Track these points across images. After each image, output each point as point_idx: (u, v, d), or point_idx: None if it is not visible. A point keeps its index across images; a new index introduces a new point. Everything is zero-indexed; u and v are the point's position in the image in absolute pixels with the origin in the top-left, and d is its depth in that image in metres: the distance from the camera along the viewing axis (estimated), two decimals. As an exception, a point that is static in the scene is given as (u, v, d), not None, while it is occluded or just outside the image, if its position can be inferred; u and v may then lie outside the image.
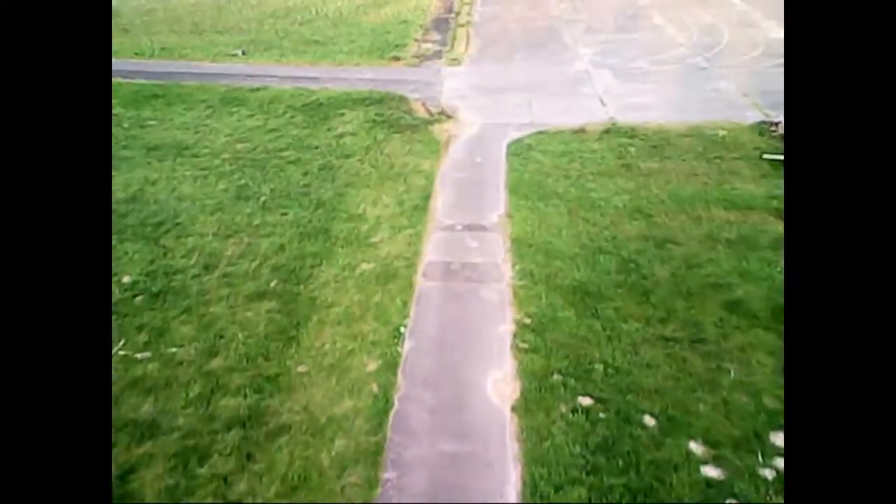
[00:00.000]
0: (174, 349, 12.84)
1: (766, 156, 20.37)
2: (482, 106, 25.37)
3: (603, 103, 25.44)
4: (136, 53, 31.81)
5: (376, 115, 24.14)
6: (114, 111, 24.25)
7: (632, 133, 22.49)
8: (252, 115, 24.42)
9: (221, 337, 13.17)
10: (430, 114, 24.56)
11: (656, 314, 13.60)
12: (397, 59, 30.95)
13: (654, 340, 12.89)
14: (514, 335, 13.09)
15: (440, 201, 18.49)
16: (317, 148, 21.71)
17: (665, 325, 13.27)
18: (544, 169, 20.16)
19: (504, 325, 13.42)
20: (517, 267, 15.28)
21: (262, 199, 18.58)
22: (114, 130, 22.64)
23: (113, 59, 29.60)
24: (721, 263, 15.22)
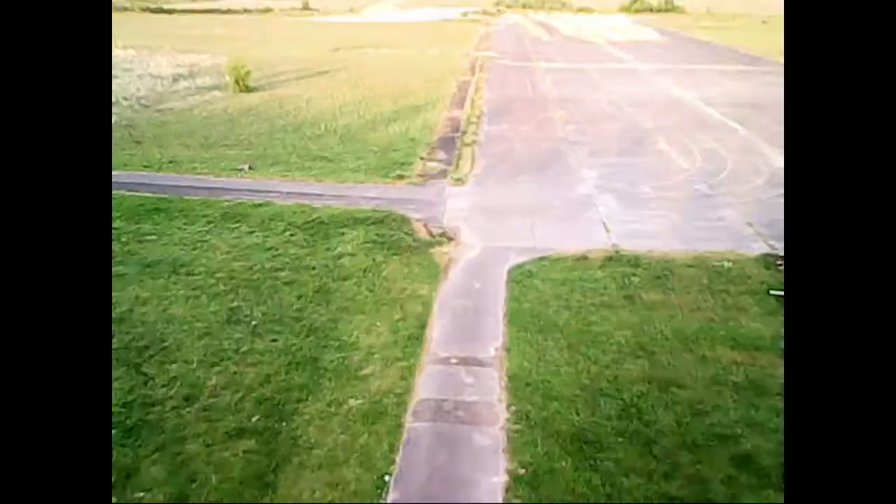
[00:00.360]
0: (140, 494, 11.97)
1: (772, 292, 19.83)
2: (484, 228, 25.17)
3: (607, 229, 25.20)
4: (145, 166, 32.14)
5: (377, 235, 23.90)
6: (114, 225, 24.08)
7: (635, 262, 22.09)
8: (252, 232, 24.22)
9: (193, 481, 12.32)
10: (432, 235, 24.32)
11: (660, 468, 12.72)
12: (402, 177, 31.11)
13: (657, 499, 11.97)
14: (507, 489, 12.19)
15: (436, 331, 17.89)
16: (314, 269, 21.33)
17: (669, 482, 12.36)
18: (545, 298, 19.63)
19: (497, 476, 12.54)
20: (513, 408, 14.51)
21: (254, 323, 18.03)
22: (112, 246, 22.38)
23: (121, 172, 29.93)
24: (728, 411, 14.43)
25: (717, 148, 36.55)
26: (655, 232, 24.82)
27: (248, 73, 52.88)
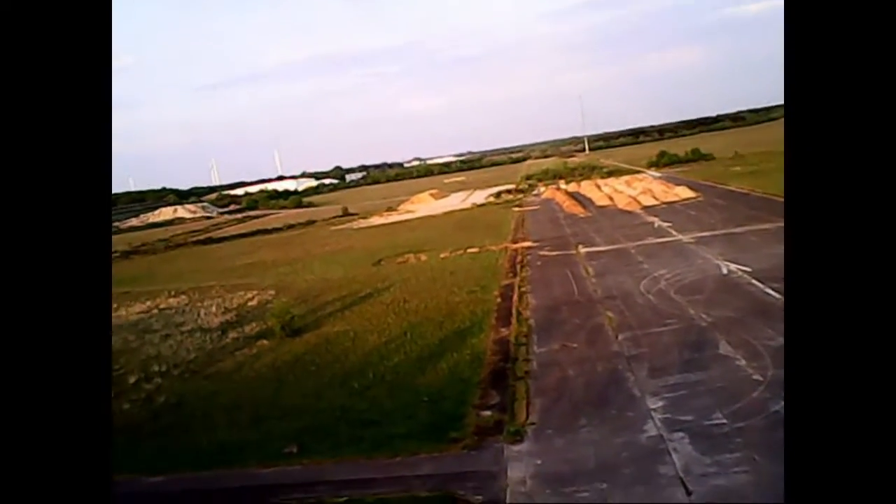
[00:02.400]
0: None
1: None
2: (551, 508, 22.91)
3: (687, 490, 22.70)
4: (193, 468, 30.94)
5: (436, 539, 21.80)
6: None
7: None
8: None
9: None
10: (496, 533, 22.12)
11: None
12: (456, 440, 29.30)
13: None
14: None
15: None
16: None
17: None
18: None
19: None
20: None
21: None
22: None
23: (157, 479, 28.82)
24: None
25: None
26: (740, 490, 22.21)
27: (291, 318, 53.21)
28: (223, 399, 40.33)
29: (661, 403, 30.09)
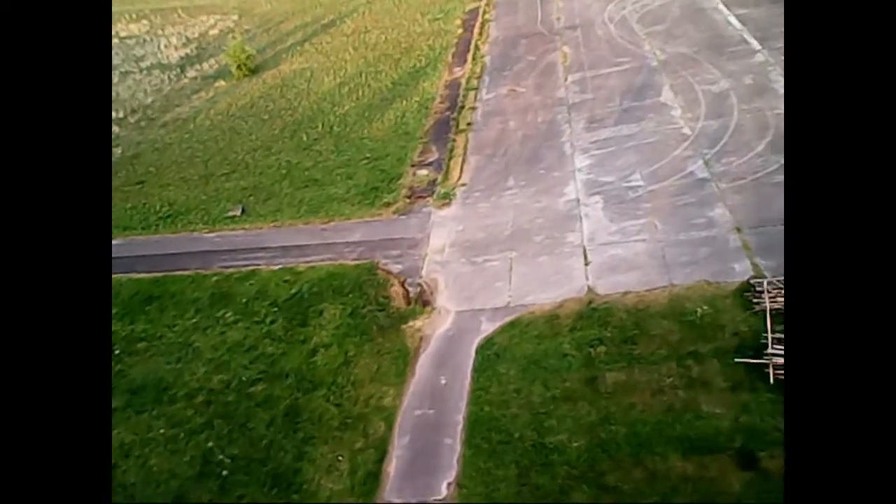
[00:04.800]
0: None
1: (738, 359, 19.10)
2: (461, 279, 24.89)
3: (586, 260, 24.47)
4: (143, 227, 32.70)
5: (353, 312, 24.08)
6: (113, 327, 25.08)
7: (606, 317, 21.62)
8: (235, 322, 24.84)
9: None
10: (407, 301, 24.31)
11: None
12: (388, 204, 30.67)
13: None
14: None
15: (393, 464, 18.36)
16: (287, 377, 21.89)
17: None
18: (506, 395, 19.65)
19: None
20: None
21: (224, 473, 18.94)
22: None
23: (121, 241, 30.84)
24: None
25: (728, 91, 33.95)
26: (636, 261, 23.95)
27: (248, 56, 51.96)
28: (176, 152, 41.10)
29: (587, 162, 30.87)
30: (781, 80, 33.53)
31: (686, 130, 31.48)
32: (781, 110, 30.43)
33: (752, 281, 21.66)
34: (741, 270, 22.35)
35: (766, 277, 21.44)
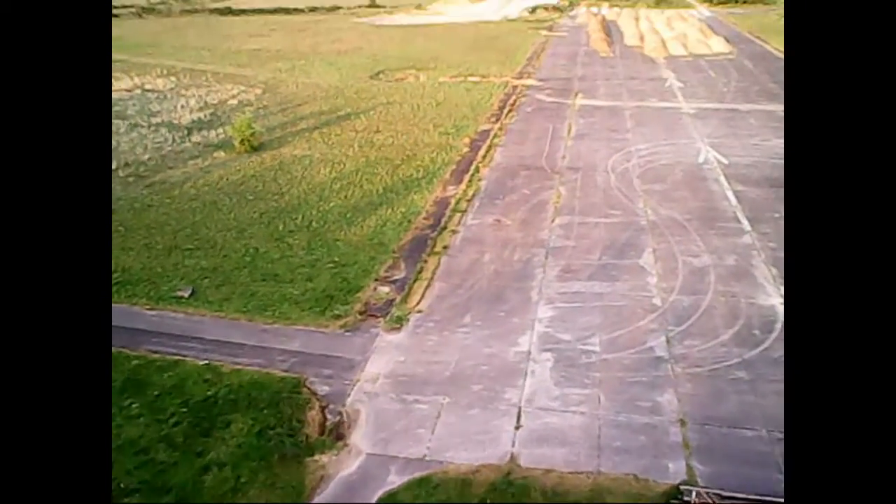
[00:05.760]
0: None
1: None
2: (385, 416, 23.43)
3: (518, 423, 23.00)
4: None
5: (261, 432, 22.54)
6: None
7: (520, 496, 19.99)
8: (138, 417, 23.30)
9: None
10: (321, 431, 22.80)
11: None
12: (338, 317, 29.50)
13: None
14: None
15: None
16: (168, 492, 20.21)
17: None
18: (388, 566, 17.83)
19: None
20: None
21: None
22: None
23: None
24: None
25: (710, 266, 33.13)
26: (571, 435, 22.52)
27: (253, 133, 52.19)
28: (152, 216, 40.52)
29: (550, 314, 29.79)
30: (763, 266, 32.73)
31: (657, 301, 30.48)
32: (756, 301, 29.45)
33: (682, 487, 20.08)
34: (674, 472, 20.81)
35: (697, 486, 19.88)
